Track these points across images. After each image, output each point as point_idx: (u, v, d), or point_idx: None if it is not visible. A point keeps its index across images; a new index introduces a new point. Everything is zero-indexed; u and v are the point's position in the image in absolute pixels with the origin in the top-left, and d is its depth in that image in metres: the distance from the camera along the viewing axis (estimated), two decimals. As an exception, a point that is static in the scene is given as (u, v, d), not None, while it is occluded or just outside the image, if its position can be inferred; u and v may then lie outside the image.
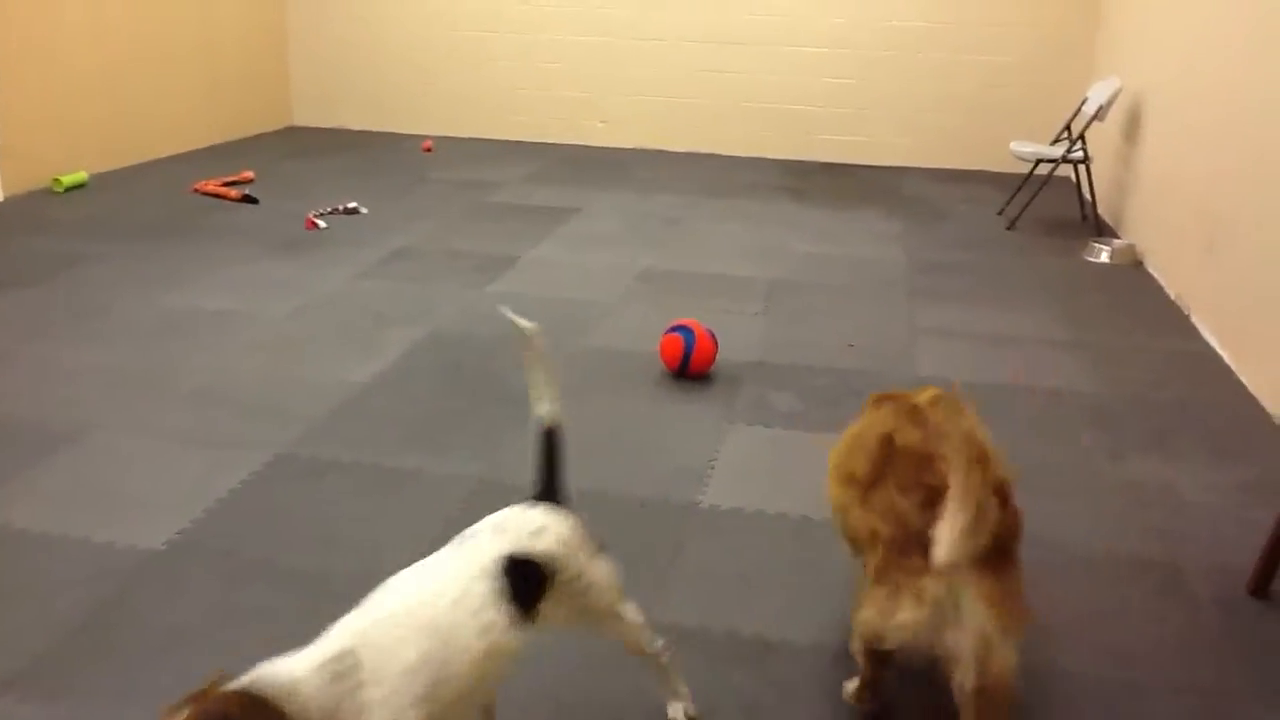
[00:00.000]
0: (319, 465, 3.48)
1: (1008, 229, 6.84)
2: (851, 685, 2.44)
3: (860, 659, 2.34)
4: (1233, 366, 4.58)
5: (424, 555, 2.95)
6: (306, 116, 9.90)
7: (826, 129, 8.90)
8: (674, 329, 4.24)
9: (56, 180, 7.04)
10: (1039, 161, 6.99)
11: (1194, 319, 5.16)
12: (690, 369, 4.20)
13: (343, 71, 9.68)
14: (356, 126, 9.78)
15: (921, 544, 2.02)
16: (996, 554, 2.03)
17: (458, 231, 6.36)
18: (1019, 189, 7.33)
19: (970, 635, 2.03)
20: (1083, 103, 7.12)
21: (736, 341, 4.65)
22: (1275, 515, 2.95)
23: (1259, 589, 2.92)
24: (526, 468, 3.46)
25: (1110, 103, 6.63)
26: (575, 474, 3.43)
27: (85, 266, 5.46)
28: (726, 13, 8.76)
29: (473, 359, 4.42)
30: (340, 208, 6.68)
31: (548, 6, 9.07)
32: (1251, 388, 4.35)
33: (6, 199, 6.78)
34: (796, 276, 5.69)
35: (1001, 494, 2.09)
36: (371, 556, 2.96)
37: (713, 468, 3.54)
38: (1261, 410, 4.17)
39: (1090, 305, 5.40)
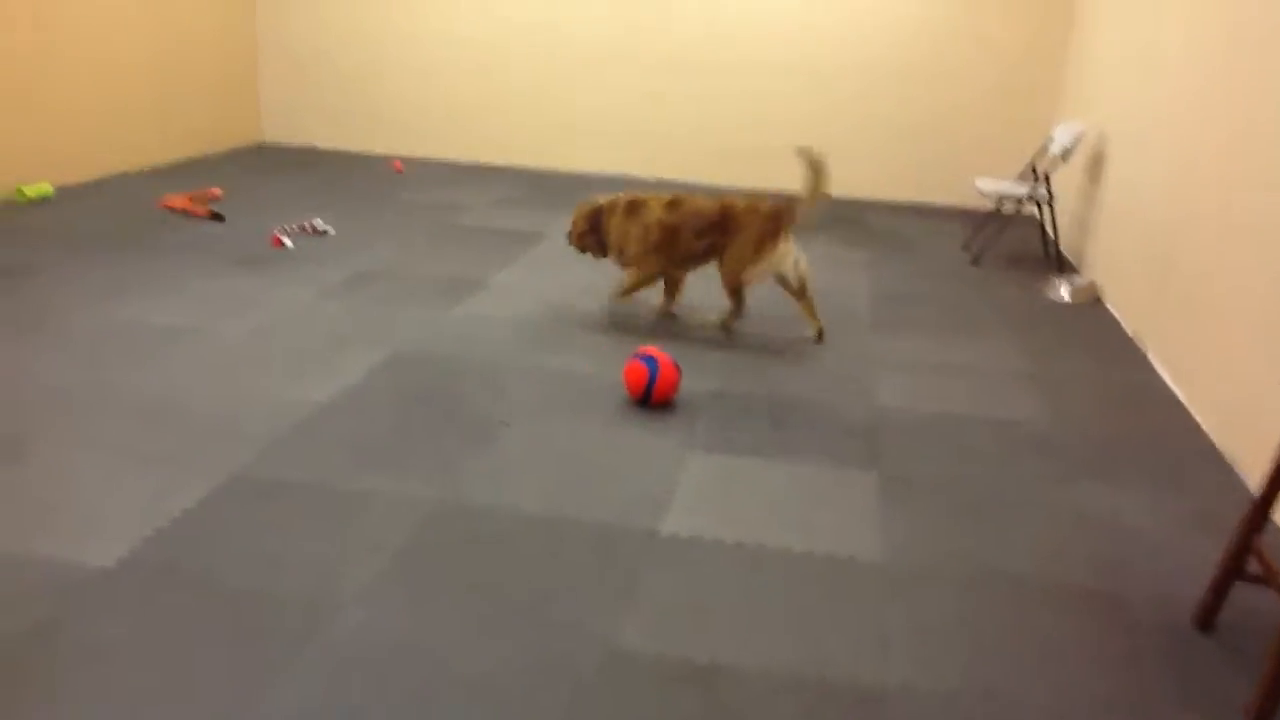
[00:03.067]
0: (273, 486, 3.45)
1: (971, 264, 6.91)
2: (723, 316, 5.29)
3: (736, 296, 5.21)
4: (1184, 401, 4.64)
5: (378, 578, 2.94)
6: (277, 133, 9.87)
7: (791, 159, 8.95)
8: (638, 357, 4.25)
9: (20, 191, 6.99)
10: (1003, 199, 7.08)
11: (1150, 356, 5.23)
12: (654, 398, 4.21)
13: (314, 89, 9.67)
14: (327, 145, 9.76)
15: (774, 236, 5.03)
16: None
17: (425, 253, 6.35)
18: (983, 225, 7.41)
19: (799, 263, 5.14)
20: (1047, 142, 7.22)
21: (698, 369, 4.66)
22: (1221, 546, 2.98)
23: (1205, 622, 2.95)
24: (486, 490, 3.46)
25: (1074, 146, 6.73)
26: (534, 497, 3.44)
27: (37, 277, 5.41)
28: (694, 40, 8.84)
29: (434, 381, 4.40)
30: (308, 226, 6.66)
31: (518, 31, 9.12)
32: (1202, 423, 4.41)
33: (-33, 210, 6.72)
34: (758, 305, 5.71)
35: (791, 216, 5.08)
36: (323, 580, 2.93)
37: (672, 495, 3.54)
38: (1210, 444, 4.22)
39: (1048, 339, 5.46)
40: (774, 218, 5.06)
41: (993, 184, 7.10)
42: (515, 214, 7.54)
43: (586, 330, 5.15)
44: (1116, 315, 5.90)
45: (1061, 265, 6.97)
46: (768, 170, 8.99)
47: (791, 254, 5.12)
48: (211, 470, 3.52)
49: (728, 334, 5.25)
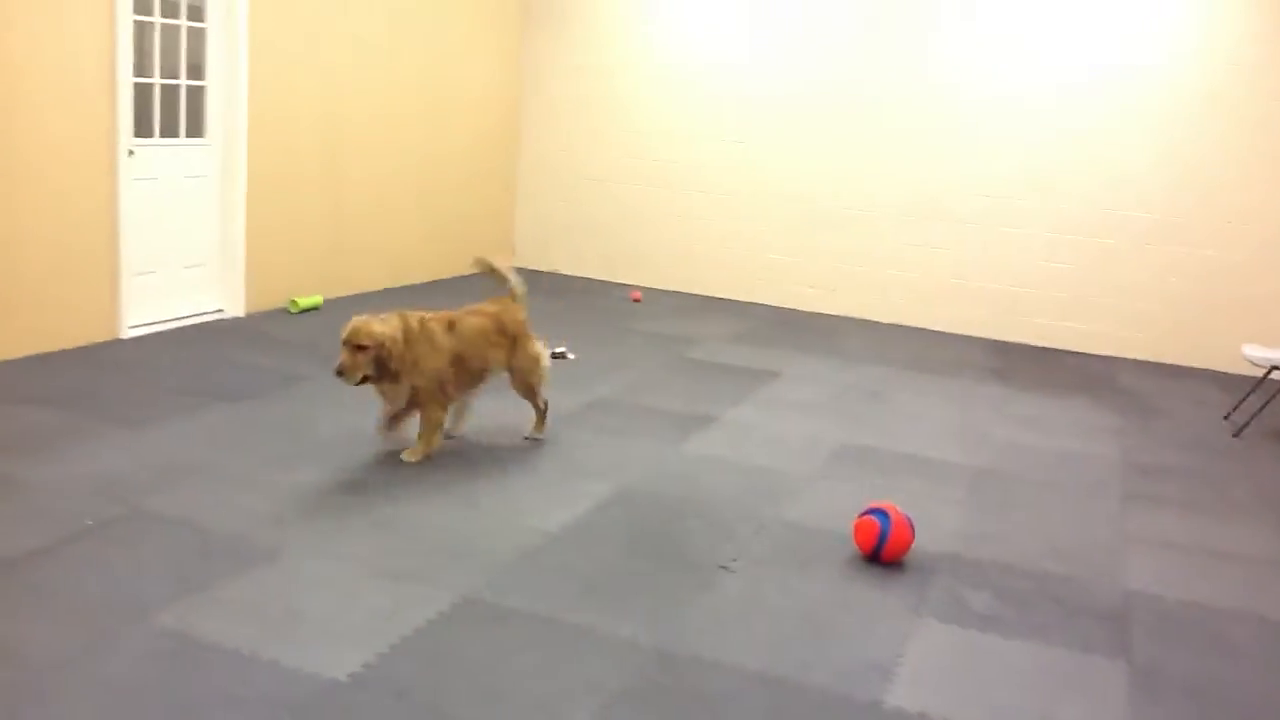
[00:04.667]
0: (500, 613, 3.49)
1: (1234, 435, 6.43)
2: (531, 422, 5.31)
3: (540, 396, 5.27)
4: None
5: (595, 717, 2.91)
6: (525, 259, 10.35)
7: (1039, 312, 8.67)
8: (870, 512, 4.12)
9: (293, 302, 7.55)
10: (1273, 368, 6.59)
11: None
12: (883, 556, 4.06)
13: (563, 221, 10.12)
14: (570, 272, 10.15)
15: (532, 342, 5.21)
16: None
17: (658, 386, 6.44)
18: (1249, 394, 6.92)
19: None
20: (1325, 309, 6.71)
21: (932, 530, 4.48)
22: None
23: None
24: (706, 639, 3.39)
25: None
26: (755, 652, 3.34)
27: (302, 385, 5.78)
28: (942, 189, 8.75)
29: (661, 519, 4.40)
30: (550, 352, 6.87)
31: (761, 172, 9.29)
32: None
33: (247, 315, 7.30)
34: (1000, 465, 5.47)
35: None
36: (540, 714, 2.93)
37: (899, 664, 3.37)
38: None
39: (1326, 529, 4.98)
40: (518, 311, 5.21)
41: (1263, 351, 6.63)
42: (750, 351, 7.57)
43: (816, 476, 5.05)
44: (1406, 507, 5.34)
45: (1339, 444, 6.39)
46: (1017, 324, 8.72)
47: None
48: (444, 590, 3.60)
49: (539, 440, 5.24)
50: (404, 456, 4.82)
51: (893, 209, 8.95)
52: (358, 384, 4.60)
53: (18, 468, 4.35)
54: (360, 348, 4.52)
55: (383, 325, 4.58)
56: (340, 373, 4.54)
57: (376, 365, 4.55)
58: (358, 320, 4.57)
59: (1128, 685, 3.37)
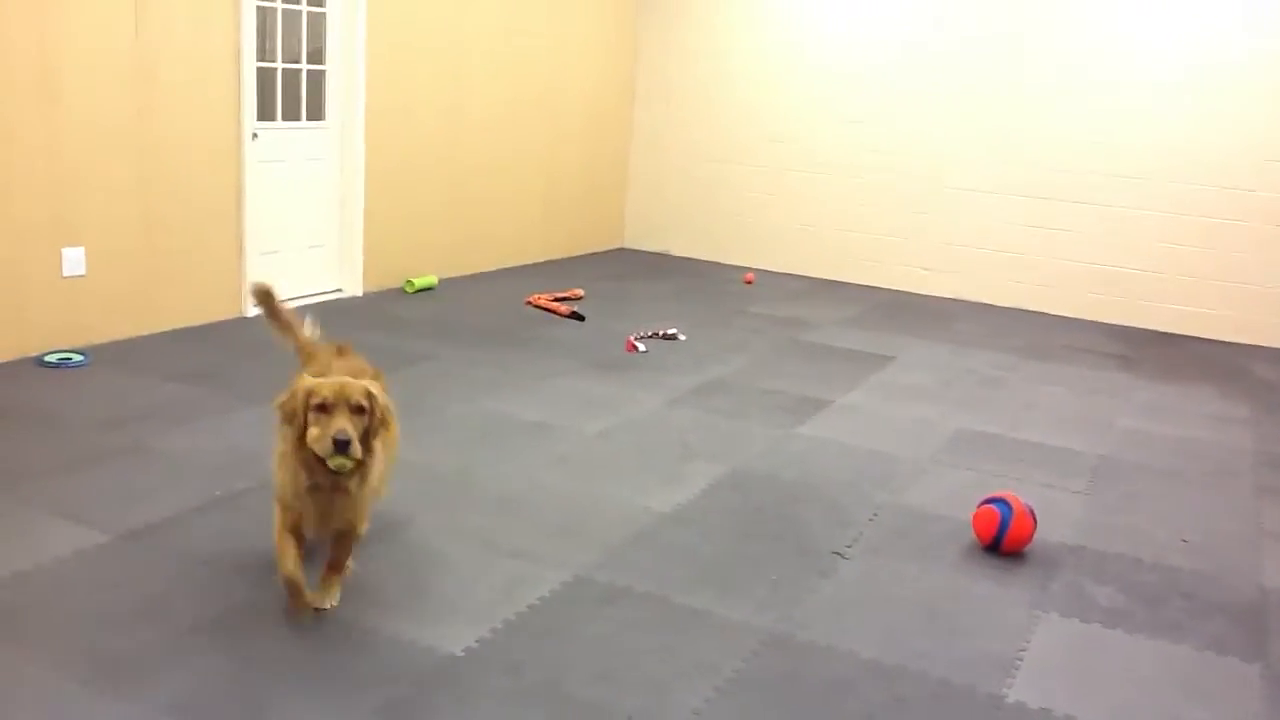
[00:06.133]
0: (614, 592, 3.51)
1: (1378, 429, 6.12)
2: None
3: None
4: None
5: (708, 704, 2.90)
6: (636, 240, 10.37)
7: (1164, 297, 8.35)
8: (991, 501, 4.03)
9: (409, 282, 7.68)
10: None
11: None
12: (1004, 546, 3.97)
13: (674, 202, 10.10)
14: (682, 254, 10.13)
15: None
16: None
17: (771, 368, 6.39)
18: (1394, 385, 6.57)
19: None
20: None
21: (1054, 520, 4.35)
22: None
23: None
24: (821, 625, 3.35)
25: None
26: (871, 641, 3.29)
27: (420, 365, 5.88)
28: (1063, 169, 8.48)
29: (775, 502, 4.36)
30: (660, 333, 6.88)
31: (876, 152, 9.12)
32: None
33: (365, 295, 7.45)
34: (1124, 454, 5.30)
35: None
36: (653, 695, 2.93)
37: (1021, 658, 3.28)
38: None
39: None
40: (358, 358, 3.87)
41: None
42: (864, 335, 7.46)
43: (933, 463, 4.96)
44: None
45: None
46: (1141, 308, 8.43)
47: None
48: (558, 568, 3.63)
49: None
50: (326, 603, 3.28)
51: (1012, 189, 8.72)
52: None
53: (152, 438, 4.52)
54: (359, 410, 3.08)
55: (372, 382, 3.22)
56: (344, 446, 2.97)
57: (363, 439, 3.09)
58: (343, 376, 3.18)
59: (1263, 690, 3.23)
